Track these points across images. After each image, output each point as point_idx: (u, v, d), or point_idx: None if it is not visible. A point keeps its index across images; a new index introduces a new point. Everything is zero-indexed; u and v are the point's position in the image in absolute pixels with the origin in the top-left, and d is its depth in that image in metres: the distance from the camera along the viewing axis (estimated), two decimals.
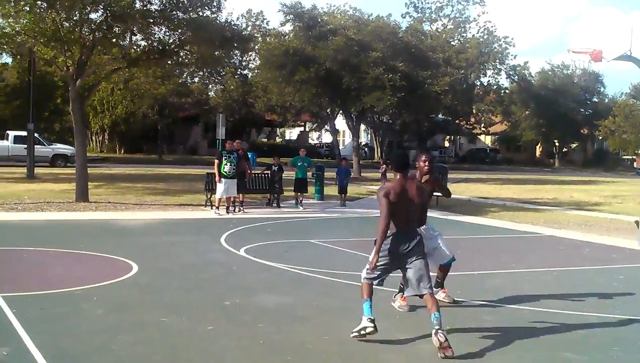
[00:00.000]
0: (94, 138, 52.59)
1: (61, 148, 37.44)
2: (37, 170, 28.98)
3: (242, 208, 18.19)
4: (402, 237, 6.49)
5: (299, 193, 20.03)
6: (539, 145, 73.29)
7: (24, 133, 32.08)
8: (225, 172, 17.12)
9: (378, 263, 6.51)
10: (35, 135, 35.13)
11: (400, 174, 6.61)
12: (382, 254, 6.51)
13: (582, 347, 6.78)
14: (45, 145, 36.33)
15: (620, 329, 7.49)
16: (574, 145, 73.65)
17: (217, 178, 17.22)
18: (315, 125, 63.61)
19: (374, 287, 6.69)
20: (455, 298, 8.33)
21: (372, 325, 6.37)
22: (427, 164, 7.88)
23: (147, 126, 50.44)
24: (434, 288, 8.07)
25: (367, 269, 6.61)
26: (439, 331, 6.17)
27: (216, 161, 17.38)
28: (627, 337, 7.24)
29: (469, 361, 6.19)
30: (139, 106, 47.97)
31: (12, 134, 35.87)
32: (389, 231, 6.46)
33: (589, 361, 6.39)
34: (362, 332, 6.39)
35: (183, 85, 47.24)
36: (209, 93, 54.40)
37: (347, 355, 6.23)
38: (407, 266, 6.54)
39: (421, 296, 6.53)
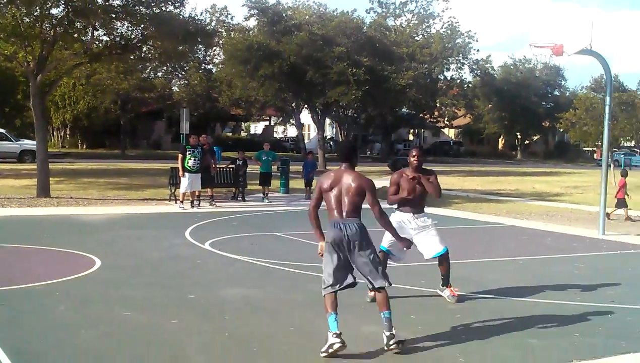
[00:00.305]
0: (55, 133, 51.77)
1: (29, 144, 37.00)
2: (0, 166, 28.48)
3: (213, 203, 18.16)
4: (338, 228, 6.13)
5: (264, 187, 20.09)
6: (502, 137, 74.18)
7: None
8: (189, 166, 17.03)
9: (329, 265, 6.15)
10: (3, 131, 35.77)
11: (344, 164, 6.35)
12: (327, 248, 6.18)
13: (545, 334, 6.88)
14: (12, 141, 36.19)
15: (582, 315, 7.61)
16: (535, 138, 74.62)
17: (180, 172, 17.11)
18: (280, 119, 63.62)
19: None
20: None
21: (339, 340, 5.87)
22: (416, 158, 7.95)
23: (109, 121, 49.74)
24: (441, 287, 8.16)
25: (323, 278, 6.19)
26: (386, 332, 6.04)
27: (180, 156, 17.27)
28: (588, 323, 7.36)
29: (433, 350, 6.24)
30: (101, 101, 47.25)
31: None
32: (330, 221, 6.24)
33: (552, 346, 6.49)
34: (330, 350, 5.86)
35: (146, 80, 46.72)
36: (173, 88, 53.91)
37: (315, 347, 6.21)
38: (354, 258, 6.16)
39: (378, 290, 6.20)
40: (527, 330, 6.96)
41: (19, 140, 37.35)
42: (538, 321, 7.35)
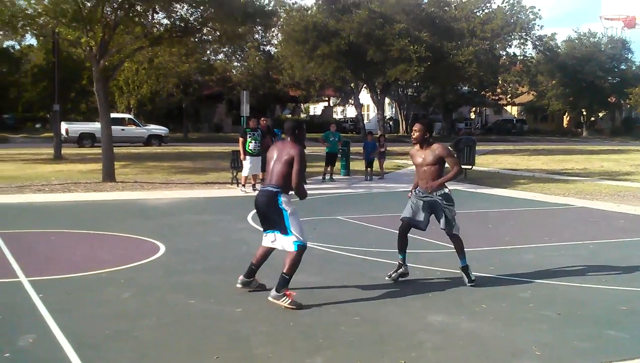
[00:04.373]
0: None
1: (156, 129, 40.25)
2: (67, 151, 29.08)
3: None
4: None
5: (329, 167, 20.17)
6: (566, 114, 72.26)
7: (118, 115, 36.66)
8: (250, 149, 16.99)
9: None
10: (131, 116, 39.86)
11: None
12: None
13: (624, 324, 6.51)
14: (140, 126, 39.16)
15: None
16: (601, 114, 72.47)
17: (242, 156, 17.09)
18: (339, 100, 63.31)
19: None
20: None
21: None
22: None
23: (172, 105, 50.49)
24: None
25: None
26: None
27: (241, 139, 17.22)
28: None
29: (507, 342, 5.98)
30: (164, 85, 47.92)
31: None
32: None
33: (632, 339, 6.13)
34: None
35: (206, 62, 47.06)
36: (233, 70, 54.20)
37: (381, 337, 6.04)
38: None
39: None
40: (604, 320, 6.62)
41: (147, 126, 40.34)
42: (615, 310, 6.99)
